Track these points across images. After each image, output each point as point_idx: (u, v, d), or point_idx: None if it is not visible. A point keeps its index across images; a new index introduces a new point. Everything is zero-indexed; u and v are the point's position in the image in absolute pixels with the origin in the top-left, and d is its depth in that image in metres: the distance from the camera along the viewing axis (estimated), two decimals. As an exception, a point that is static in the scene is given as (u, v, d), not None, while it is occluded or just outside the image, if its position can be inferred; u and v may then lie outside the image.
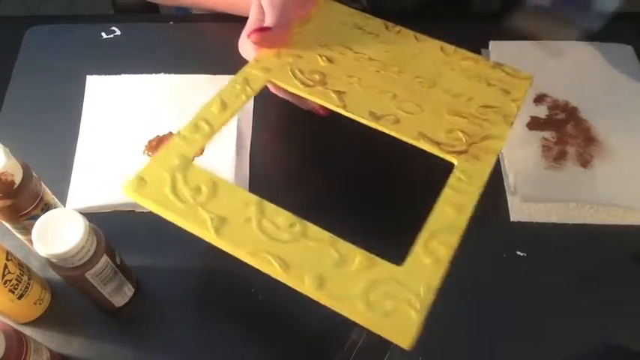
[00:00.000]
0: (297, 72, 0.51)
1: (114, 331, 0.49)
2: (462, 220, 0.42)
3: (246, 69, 0.51)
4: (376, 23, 0.56)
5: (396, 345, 0.38)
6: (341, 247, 0.40)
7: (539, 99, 0.61)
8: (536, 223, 0.55)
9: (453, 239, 0.41)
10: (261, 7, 0.54)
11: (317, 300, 0.38)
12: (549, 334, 0.50)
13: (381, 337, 0.39)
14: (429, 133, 0.47)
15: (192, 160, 0.45)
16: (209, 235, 0.41)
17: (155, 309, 0.51)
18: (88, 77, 0.63)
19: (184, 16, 0.78)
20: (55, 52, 0.65)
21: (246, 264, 0.42)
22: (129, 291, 0.50)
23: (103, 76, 0.63)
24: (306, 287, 0.38)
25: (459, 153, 0.46)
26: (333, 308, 0.38)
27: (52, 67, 0.64)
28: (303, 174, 0.58)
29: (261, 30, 0.51)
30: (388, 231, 0.48)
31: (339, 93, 0.50)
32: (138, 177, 0.42)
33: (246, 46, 0.54)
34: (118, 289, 0.48)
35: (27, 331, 0.47)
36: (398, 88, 0.51)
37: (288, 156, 0.59)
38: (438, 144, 0.47)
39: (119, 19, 0.70)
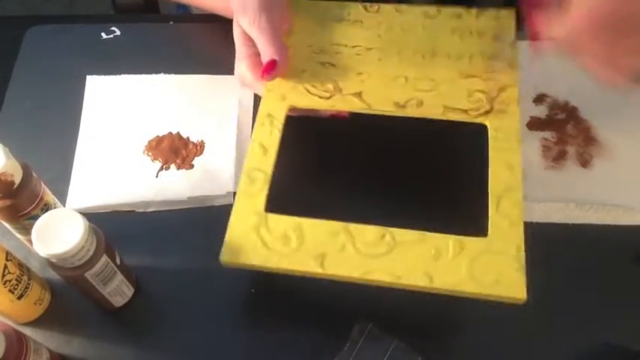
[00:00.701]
0: (310, 88, 0.51)
1: (114, 331, 0.50)
2: (517, 178, 0.46)
3: (265, 103, 0.51)
4: (355, 9, 0.56)
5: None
6: (431, 240, 0.44)
7: (539, 99, 0.61)
8: (536, 223, 0.55)
9: (517, 196, 0.45)
10: (245, 35, 0.53)
11: (432, 292, 0.43)
12: (549, 334, 0.50)
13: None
14: (453, 104, 0.49)
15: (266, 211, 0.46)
16: (318, 273, 0.43)
17: (155, 309, 0.51)
18: (88, 77, 0.63)
19: (184, 16, 0.79)
20: (55, 52, 0.65)
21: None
22: (128, 291, 0.50)
23: (102, 77, 0.63)
24: (420, 286, 0.42)
25: (487, 113, 0.48)
26: (447, 294, 0.42)
27: (52, 67, 0.64)
28: (308, 172, 0.58)
29: (271, 67, 0.50)
30: (426, 207, 0.51)
31: (357, 95, 0.51)
32: (227, 246, 0.45)
33: (247, 79, 0.53)
34: (118, 289, 0.48)
35: (27, 331, 0.47)
36: (405, 69, 0.51)
37: (291, 154, 0.59)
38: (465, 111, 0.49)
39: (119, 19, 0.70)
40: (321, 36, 0.54)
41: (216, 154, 0.57)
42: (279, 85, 0.52)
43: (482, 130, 0.48)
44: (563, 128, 0.59)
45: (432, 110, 0.49)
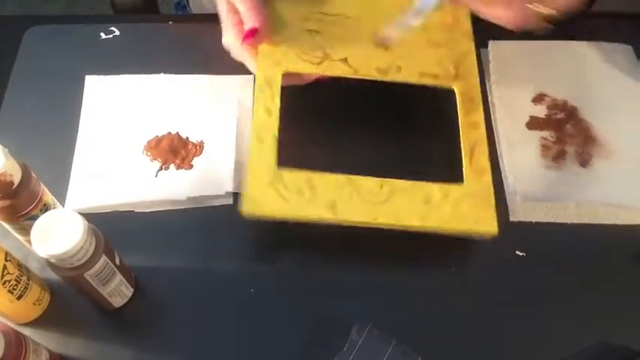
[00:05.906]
0: (301, 55, 0.55)
1: (113, 332, 0.49)
2: (482, 134, 0.53)
3: (261, 70, 0.54)
4: None
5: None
6: (420, 188, 0.51)
7: (538, 98, 0.61)
8: (536, 223, 0.55)
9: (484, 149, 0.52)
10: (230, 4, 0.54)
11: (425, 231, 0.49)
12: (549, 334, 0.50)
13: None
14: (427, 70, 0.55)
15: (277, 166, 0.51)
16: (330, 219, 0.49)
17: (154, 309, 0.51)
18: (87, 77, 0.62)
19: (184, 16, 0.78)
20: (55, 52, 0.65)
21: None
22: (128, 291, 0.50)
23: (102, 76, 0.63)
24: (416, 227, 0.49)
25: (454, 78, 0.55)
26: (438, 232, 0.49)
27: (52, 68, 0.64)
28: (309, 130, 0.59)
29: (251, 34, 0.52)
30: (417, 160, 0.58)
31: (344, 61, 0.55)
32: (247, 199, 0.49)
33: (234, 48, 0.55)
34: (117, 290, 0.48)
35: (26, 331, 0.47)
36: None
37: (292, 117, 0.58)
38: (436, 77, 0.55)
39: (118, 20, 0.69)
40: (304, 3, 0.57)
41: (216, 155, 0.57)
42: (272, 52, 0.55)
43: (450, 93, 0.55)
44: (562, 128, 0.59)
45: (410, 76, 0.55)
